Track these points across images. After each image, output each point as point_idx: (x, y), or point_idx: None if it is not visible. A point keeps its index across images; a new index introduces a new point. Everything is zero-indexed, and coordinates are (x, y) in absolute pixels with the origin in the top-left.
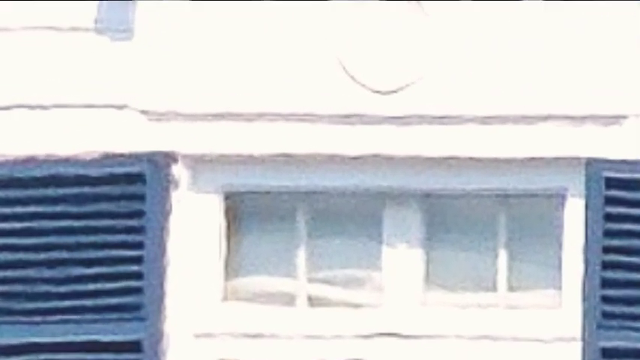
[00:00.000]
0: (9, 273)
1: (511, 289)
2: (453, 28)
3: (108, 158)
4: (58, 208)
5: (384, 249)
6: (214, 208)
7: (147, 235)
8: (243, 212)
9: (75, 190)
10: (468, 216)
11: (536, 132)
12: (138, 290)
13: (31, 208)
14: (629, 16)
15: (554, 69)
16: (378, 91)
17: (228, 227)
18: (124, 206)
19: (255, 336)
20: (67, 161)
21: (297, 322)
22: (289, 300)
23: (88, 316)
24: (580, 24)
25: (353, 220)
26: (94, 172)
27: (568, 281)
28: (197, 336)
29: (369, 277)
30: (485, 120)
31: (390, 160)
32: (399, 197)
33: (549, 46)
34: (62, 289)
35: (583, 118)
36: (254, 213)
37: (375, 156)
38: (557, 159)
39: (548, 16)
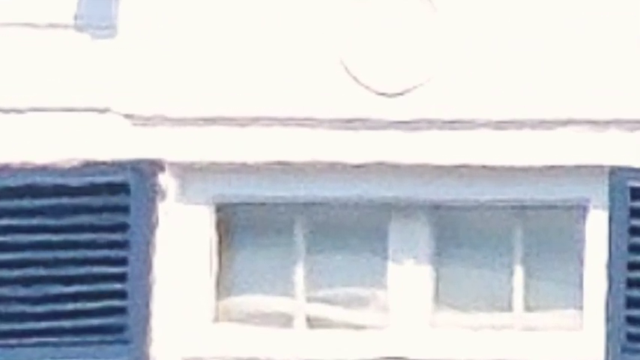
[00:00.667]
0: None
1: (528, 309)
2: (464, 25)
3: (89, 167)
4: (35, 221)
5: (390, 265)
6: (205, 220)
7: (131, 250)
8: (236, 225)
9: (53, 201)
10: (480, 229)
11: (556, 138)
12: (121, 310)
13: (5, 221)
14: None
15: (575, 70)
16: (383, 94)
17: (220, 242)
18: (106, 219)
19: None
20: (44, 170)
21: (295, 345)
22: (286, 321)
23: (68, 339)
24: (604, 21)
25: (356, 233)
26: (73, 181)
27: (590, 300)
28: None
29: (373, 296)
30: (500, 125)
31: (396, 168)
32: (405, 209)
33: (570, 45)
34: (39, 309)
35: (606, 123)
36: (248, 226)
37: (380, 164)
38: (578, 167)
39: (570, 11)
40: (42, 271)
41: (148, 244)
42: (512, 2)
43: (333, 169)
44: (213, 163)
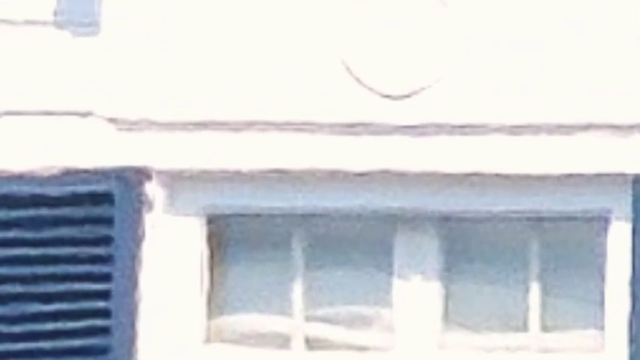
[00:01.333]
0: None
1: (545, 329)
2: (475, 21)
3: (69, 175)
4: (11, 234)
5: (395, 282)
6: (195, 233)
7: (115, 265)
8: (228, 238)
9: (30, 212)
10: (494, 243)
11: (575, 144)
12: (105, 330)
13: None
14: None
15: (596, 71)
16: (388, 96)
17: (212, 256)
18: (88, 231)
19: None
20: (21, 179)
21: None
22: (283, 342)
23: None
24: (630, 20)
25: (358, 247)
26: (53, 191)
27: (612, 320)
28: None
29: (377, 315)
30: (515, 130)
31: (402, 176)
32: (412, 220)
33: (590, 44)
34: (16, 329)
35: (630, 128)
36: (242, 239)
37: (385, 172)
38: (599, 175)
39: (592, 8)
40: (19, 288)
41: (133, 258)
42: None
43: (334, 177)
44: (204, 171)
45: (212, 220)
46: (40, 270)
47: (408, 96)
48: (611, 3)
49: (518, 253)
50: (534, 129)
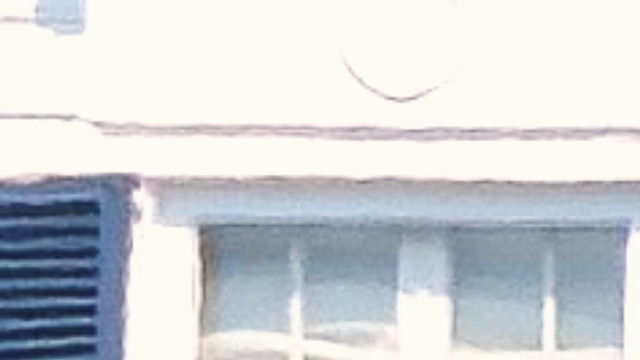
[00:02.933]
0: None
1: (560, 347)
2: (486, 18)
3: (52, 183)
4: None
5: (401, 296)
6: (186, 244)
7: (101, 279)
8: (222, 250)
9: (10, 222)
10: (505, 255)
11: (592, 149)
12: (90, 349)
13: None
14: None
15: (614, 71)
16: (392, 98)
17: (204, 269)
18: (72, 243)
19: None
20: (0, 187)
21: None
22: None
23: None
24: None
25: (361, 260)
26: (34, 200)
27: (631, 337)
28: None
29: (381, 332)
30: (528, 134)
31: (407, 184)
32: (419, 231)
33: (607, 43)
34: None
35: None
36: (236, 251)
37: (389, 179)
38: (617, 183)
39: (609, 7)
40: None
41: (120, 272)
42: None
43: (335, 185)
44: (196, 179)
45: (204, 231)
46: (21, 284)
47: (414, 98)
48: (631, 3)
49: (532, 265)
50: (549, 133)
